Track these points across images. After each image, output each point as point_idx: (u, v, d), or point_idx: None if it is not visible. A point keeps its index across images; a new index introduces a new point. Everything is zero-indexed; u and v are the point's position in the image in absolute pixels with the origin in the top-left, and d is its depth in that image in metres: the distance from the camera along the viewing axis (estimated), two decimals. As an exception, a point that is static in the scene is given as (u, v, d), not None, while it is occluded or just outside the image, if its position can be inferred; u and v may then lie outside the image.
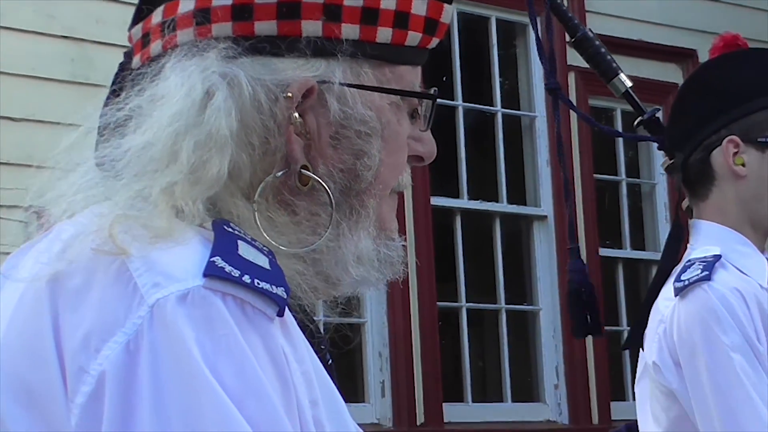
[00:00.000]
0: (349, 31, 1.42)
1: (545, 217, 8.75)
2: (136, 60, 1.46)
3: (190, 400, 1.18)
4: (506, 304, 8.65)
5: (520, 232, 8.94)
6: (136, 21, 1.48)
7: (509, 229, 8.86)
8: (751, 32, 7.88)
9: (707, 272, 2.71)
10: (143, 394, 1.19)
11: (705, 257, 2.77)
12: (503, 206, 8.70)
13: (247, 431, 1.19)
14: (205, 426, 1.18)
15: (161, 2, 1.44)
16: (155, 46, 1.43)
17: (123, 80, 1.43)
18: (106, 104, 1.42)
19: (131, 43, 1.50)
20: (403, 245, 1.53)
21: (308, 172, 1.41)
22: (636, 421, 3.00)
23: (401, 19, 1.47)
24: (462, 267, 8.40)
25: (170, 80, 1.36)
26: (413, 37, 1.49)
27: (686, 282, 2.73)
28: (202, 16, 1.40)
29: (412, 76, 1.51)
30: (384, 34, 1.45)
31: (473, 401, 8.42)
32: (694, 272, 2.74)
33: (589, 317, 2.96)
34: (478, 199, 8.62)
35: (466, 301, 8.49)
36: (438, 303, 8.13)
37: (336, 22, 1.41)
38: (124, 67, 1.51)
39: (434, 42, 1.51)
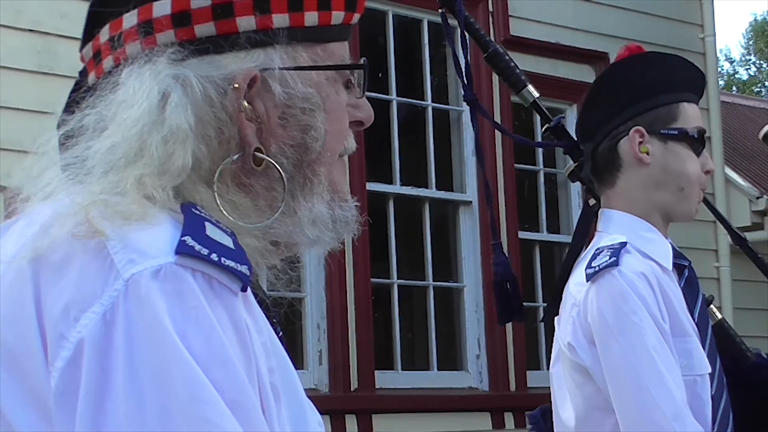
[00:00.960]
0: (280, 20, 1.44)
1: (470, 202, 8.77)
2: (92, 77, 1.47)
3: (161, 365, 1.19)
4: (434, 281, 8.68)
5: (447, 216, 8.97)
6: (85, 42, 1.49)
7: (437, 213, 8.88)
8: (654, 37, 7.95)
9: (615, 258, 2.72)
10: (118, 359, 1.20)
11: (612, 245, 2.78)
12: (432, 192, 8.72)
13: (212, 394, 1.19)
14: (174, 388, 1.19)
15: (106, 21, 1.45)
16: (107, 62, 1.44)
17: (78, 97, 1.44)
18: (62, 118, 1.42)
19: (84, 63, 1.50)
20: (356, 205, 1.54)
21: (261, 154, 1.42)
22: (551, 405, 3.00)
23: (324, 1, 1.49)
24: (394, 247, 8.42)
25: (129, 86, 1.37)
26: (337, 16, 1.51)
27: (596, 268, 2.74)
28: (146, 28, 1.41)
29: (341, 51, 1.53)
30: (311, 17, 1.47)
31: (403, 369, 8.44)
32: (603, 259, 2.75)
33: (512, 306, 2.98)
34: (409, 185, 8.63)
35: (398, 278, 8.51)
36: (372, 279, 8.14)
37: (267, 14, 1.43)
38: (79, 85, 1.51)
39: (356, 18, 1.54)
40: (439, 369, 8.64)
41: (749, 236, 10.19)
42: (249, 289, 1.31)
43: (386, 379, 8.13)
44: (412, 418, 8.12)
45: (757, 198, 11.38)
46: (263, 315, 1.35)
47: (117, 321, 1.21)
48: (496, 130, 8.73)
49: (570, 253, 2.92)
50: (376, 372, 8.03)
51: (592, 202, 2.99)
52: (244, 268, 1.28)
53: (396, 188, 8.53)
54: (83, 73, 1.51)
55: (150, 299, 1.21)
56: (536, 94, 3.08)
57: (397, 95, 8.63)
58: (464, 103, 3.11)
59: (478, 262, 8.67)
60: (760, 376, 2.89)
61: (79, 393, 1.20)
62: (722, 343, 2.85)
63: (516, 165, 8.98)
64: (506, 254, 3.11)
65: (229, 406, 1.20)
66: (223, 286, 1.26)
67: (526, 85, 3.09)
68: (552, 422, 2.95)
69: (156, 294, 1.22)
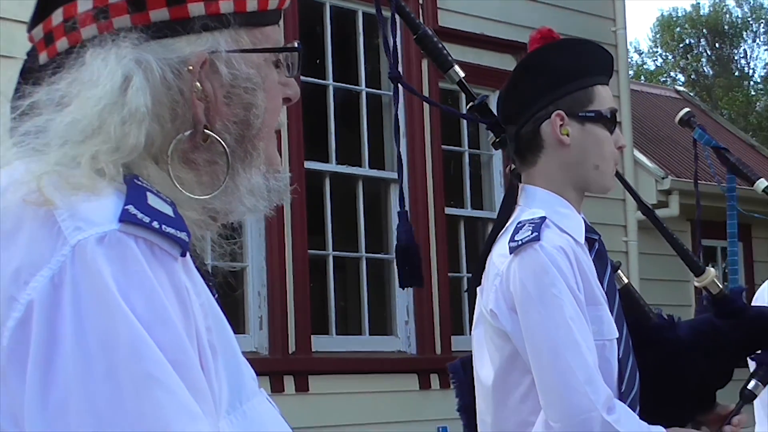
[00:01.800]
0: (226, 6, 1.44)
1: (397, 181, 8.75)
2: (43, 56, 1.45)
3: (106, 325, 1.18)
4: (366, 253, 8.69)
5: (379, 192, 8.97)
6: (35, 23, 1.47)
7: (369, 190, 8.88)
8: (571, 30, 7.98)
9: (537, 233, 2.72)
10: (66, 320, 1.19)
11: (533, 219, 2.78)
12: (365, 170, 8.72)
13: (155, 352, 1.19)
14: (119, 346, 1.18)
15: (58, 5, 1.43)
16: (61, 43, 1.42)
17: (29, 75, 1.43)
18: (14, 95, 1.40)
19: (33, 43, 1.48)
20: (287, 176, 1.54)
21: (207, 131, 1.42)
22: (470, 355, 3.01)
23: None
24: (330, 221, 8.41)
25: (93, 67, 1.35)
26: (273, 2, 1.51)
27: (519, 242, 2.73)
28: (102, 12, 1.39)
29: (276, 34, 1.53)
30: (252, 3, 1.47)
31: (337, 334, 8.46)
32: (525, 233, 2.74)
33: (412, 272, 2.98)
34: (344, 164, 8.62)
35: (333, 250, 8.51)
36: (309, 251, 8.13)
37: (214, 0, 1.43)
38: (28, 66, 1.49)
39: (287, 2, 1.54)
40: (370, 334, 8.65)
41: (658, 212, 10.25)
42: (188, 254, 1.30)
43: (322, 343, 8.14)
44: (345, 379, 8.13)
45: (663, 178, 11.47)
46: (201, 279, 1.35)
47: (64, 284, 1.20)
48: (425, 116, 8.76)
49: (495, 227, 2.92)
50: (312, 336, 8.04)
51: (512, 168, 3.00)
52: (183, 235, 1.28)
53: (332, 167, 8.52)
54: (32, 54, 1.49)
55: (95, 264, 1.21)
56: (462, 74, 3.08)
57: (334, 80, 8.61)
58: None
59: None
60: (661, 335, 2.91)
61: (29, 352, 1.19)
62: (628, 305, 2.87)
63: (443, 146, 9.00)
64: (411, 224, 3.10)
65: (171, 363, 1.20)
66: (163, 252, 1.26)
67: (453, 66, 3.08)
68: (471, 373, 2.96)
69: (101, 259, 1.21)
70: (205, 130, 1.42)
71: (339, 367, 8.18)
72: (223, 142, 1.43)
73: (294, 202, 8.38)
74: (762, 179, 3.90)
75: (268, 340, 7.83)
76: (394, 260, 8.45)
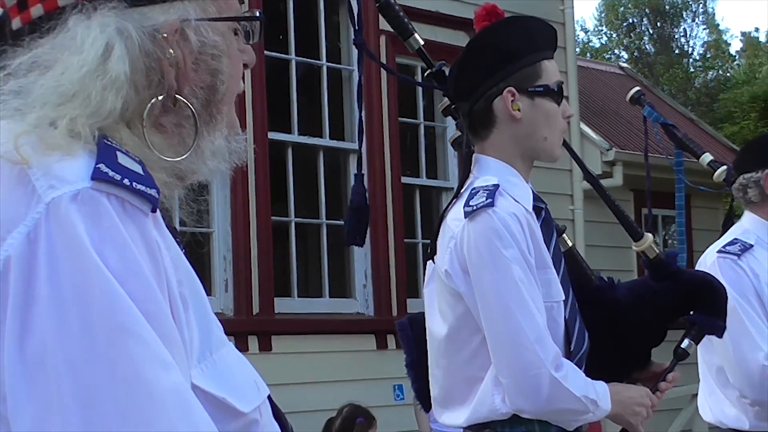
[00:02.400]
0: None
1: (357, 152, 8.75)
2: (16, 22, 1.42)
3: (81, 279, 1.18)
4: (326, 219, 8.68)
5: (338, 162, 8.96)
6: None
7: (330, 159, 8.86)
8: (520, 8, 7.98)
9: (491, 199, 2.73)
10: (41, 274, 1.18)
11: (487, 186, 2.78)
12: (326, 141, 8.69)
13: (129, 305, 1.18)
14: (94, 300, 1.17)
15: None
16: (36, 10, 1.39)
17: (2, 41, 1.41)
18: None
19: (4, 8, 1.45)
20: (245, 138, 1.53)
21: (178, 95, 1.41)
22: (417, 314, 3.01)
23: None
24: (292, 189, 8.39)
25: (76, 33, 1.34)
26: None
27: (474, 207, 2.74)
28: None
29: (236, 3, 1.52)
30: None
31: (299, 296, 8.46)
32: (480, 199, 2.75)
33: (358, 231, 3.00)
34: (306, 135, 8.60)
35: (295, 217, 8.50)
36: (272, 218, 8.12)
37: None
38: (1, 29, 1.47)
39: None
40: (330, 297, 8.65)
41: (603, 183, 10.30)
42: (158, 211, 1.29)
43: (284, 305, 8.14)
44: (306, 340, 8.14)
45: (607, 150, 11.52)
46: (170, 234, 1.34)
47: (40, 240, 1.19)
48: (382, 89, 8.75)
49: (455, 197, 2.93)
50: (275, 299, 8.03)
51: (453, 138, 3.01)
52: (153, 192, 1.27)
53: (294, 137, 8.50)
54: (3, 19, 1.46)
55: (69, 220, 1.20)
56: (422, 42, 3.08)
57: (296, 55, 8.57)
58: (355, 63, 3.09)
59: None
60: (601, 296, 2.93)
61: (7, 305, 1.18)
62: (571, 268, 2.88)
63: (400, 118, 8.99)
64: (364, 186, 3.11)
65: (144, 314, 1.19)
66: (135, 208, 1.25)
67: (413, 34, 3.08)
68: (417, 330, 2.97)
69: (75, 215, 1.20)
70: (176, 95, 1.41)
71: (300, 327, 8.19)
72: (191, 107, 1.42)
73: (258, 171, 8.38)
74: (707, 153, 3.94)
75: (233, 302, 7.83)
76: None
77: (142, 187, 1.26)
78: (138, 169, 1.28)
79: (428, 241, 8.72)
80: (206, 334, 1.33)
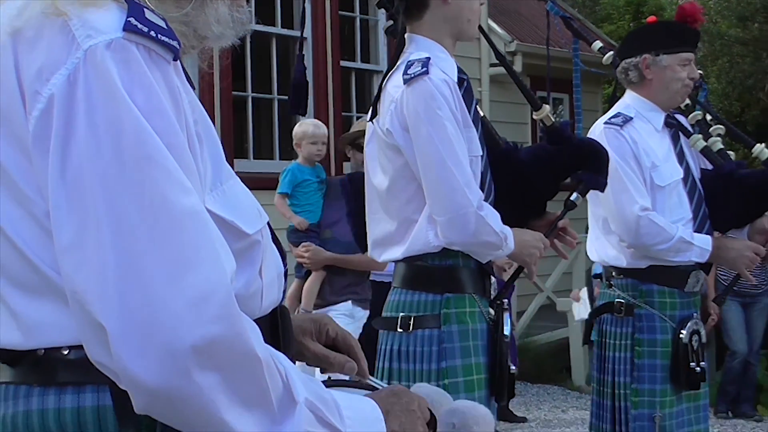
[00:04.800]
0: None
1: (306, 38, 8.65)
2: None
3: (113, 113, 1.15)
4: (278, 95, 8.63)
5: (288, 47, 8.85)
6: None
7: (281, 45, 8.75)
8: None
9: (425, 68, 2.70)
10: (80, 110, 1.15)
11: (420, 58, 2.74)
12: (278, 29, 8.57)
13: (154, 137, 1.16)
14: (124, 132, 1.15)
15: None
16: None
17: None
18: None
19: None
20: (249, 10, 1.46)
21: None
22: (354, 172, 2.99)
23: None
24: (249, 69, 8.30)
25: None
26: None
27: (412, 75, 2.70)
28: None
29: None
30: None
31: (254, 158, 8.42)
32: (416, 68, 2.71)
33: (300, 101, 2.96)
34: (260, 24, 8.42)
35: (252, 92, 8.41)
36: (233, 92, 8.06)
37: None
38: None
39: None
40: (279, 159, 8.65)
41: (501, 70, 10.30)
42: (179, 60, 1.26)
43: (242, 165, 8.09)
44: (260, 193, 7.85)
45: (510, 42, 11.51)
46: (188, 81, 1.31)
47: (78, 81, 1.16)
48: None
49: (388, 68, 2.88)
50: (234, 159, 7.99)
51: (386, 25, 2.94)
52: (175, 43, 1.23)
53: (252, 26, 8.29)
54: None
55: (104, 65, 1.16)
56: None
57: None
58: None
59: (311, 84, 8.62)
60: (508, 157, 2.92)
61: (51, 135, 1.16)
62: (484, 133, 2.86)
63: (340, 12, 8.84)
64: (305, 65, 3.03)
65: (166, 146, 1.17)
66: (159, 56, 1.21)
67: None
68: (355, 186, 2.95)
69: (109, 61, 1.16)
70: None
71: (255, 184, 7.97)
72: None
73: (221, 53, 8.17)
74: (597, 41, 3.90)
75: (199, 163, 7.77)
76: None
77: (166, 39, 1.21)
78: (162, 23, 1.24)
79: (361, 114, 8.68)
80: (217, 167, 1.30)
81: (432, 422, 1.39)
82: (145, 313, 1.11)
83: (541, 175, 2.91)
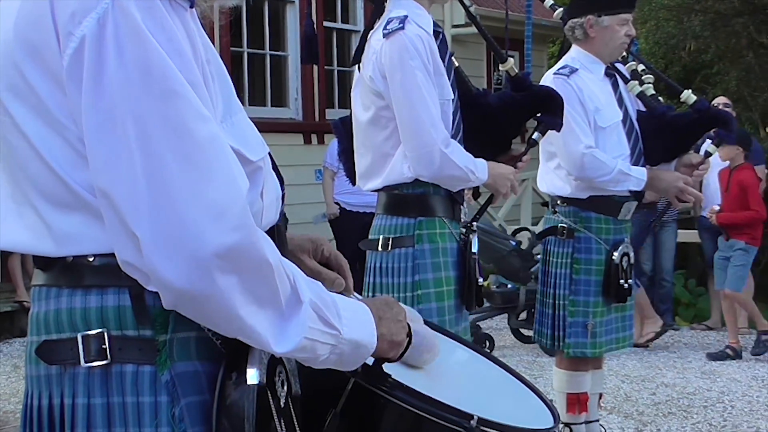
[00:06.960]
0: None
1: (293, 2, 8.59)
2: None
3: (140, 51, 1.13)
4: (270, 51, 8.58)
5: (279, 10, 8.75)
6: None
7: (273, 7, 8.63)
8: None
9: (402, 25, 2.69)
10: (110, 49, 1.13)
11: (399, 16, 2.74)
12: (269, -7, 8.45)
13: (176, 73, 1.14)
14: (150, 68, 1.13)
15: None
16: None
17: None
18: None
19: None
20: None
21: None
22: (345, 117, 2.97)
23: None
24: (245, 28, 8.21)
25: None
26: None
27: (390, 30, 2.70)
28: None
29: None
30: None
31: (249, 105, 8.37)
32: (394, 24, 2.70)
33: (313, 54, 2.92)
34: (254, -12, 8.33)
35: (247, 48, 8.31)
36: (231, 48, 7.98)
37: None
38: None
39: None
40: (271, 106, 8.61)
41: (464, 30, 10.17)
42: (195, 8, 1.23)
43: (239, 111, 8.05)
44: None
45: (470, 6, 11.38)
46: (202, 26, 1.28)
47: (108, 24, 1.13)
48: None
49: (368, 27, 2.84)
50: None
51: None
52: None
53: (246, -10, 8.19)
54: None
55: (130, 10, 1.13)
56: None
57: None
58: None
59: (296, 39, 8.59)
60: (478, 101, 2.91)
61: (83, 70, 1.13)
62: (457, 80, 2.84)
63: (323, -22, 8.74)
64: (313, 20, 3.00)
65: (186, 82, 1.15)
66: (178, 4, 1.18)
67: None
68: (346, 127, 2.94)
69: (134, 8, 1.14)
70: None
71: (251, 128, 8.10)
72: None
73: (221, 14, 8.03)
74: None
75: (202, 108, 7.70)
76: (289, 56, 8.31)
77: None
78: None
79: (343, 68, 8.59)
80: (227, 101, 1.28)
81: (409, 333, 1.40)
82: (173, 224, 1.11)
83: (507, 116, 2.92)
